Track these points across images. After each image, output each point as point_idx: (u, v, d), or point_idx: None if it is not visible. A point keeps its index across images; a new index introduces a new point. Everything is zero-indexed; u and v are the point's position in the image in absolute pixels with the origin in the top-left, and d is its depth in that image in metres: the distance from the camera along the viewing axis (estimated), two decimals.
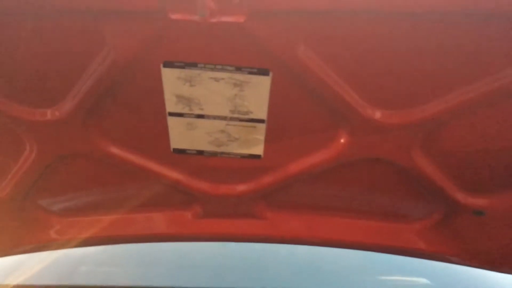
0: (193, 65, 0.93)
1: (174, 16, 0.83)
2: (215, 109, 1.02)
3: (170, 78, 0.95)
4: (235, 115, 1.03)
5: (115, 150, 1.09)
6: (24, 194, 1.21)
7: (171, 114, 1.03)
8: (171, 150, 1.11)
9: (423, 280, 1.55)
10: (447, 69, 0.88)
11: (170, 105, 1.01)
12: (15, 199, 1.21)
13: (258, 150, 1.11)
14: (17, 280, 1.51)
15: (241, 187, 1.19)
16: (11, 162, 1.13)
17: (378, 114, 0.98)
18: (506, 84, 0.88)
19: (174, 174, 1.16)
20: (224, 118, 1.04)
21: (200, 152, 1.12)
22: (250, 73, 0.95)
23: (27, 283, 1.46)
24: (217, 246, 1.53)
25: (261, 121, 1.04)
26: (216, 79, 0.97)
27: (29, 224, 1.32)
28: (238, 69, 0.94)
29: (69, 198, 1.28)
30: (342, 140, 1.05)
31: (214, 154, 1.12)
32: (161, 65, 0.93)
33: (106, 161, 1.12)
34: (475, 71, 0.88)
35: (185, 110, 1.03)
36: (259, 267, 1.57)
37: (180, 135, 1.08)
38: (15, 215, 1.27)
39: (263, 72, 0.94)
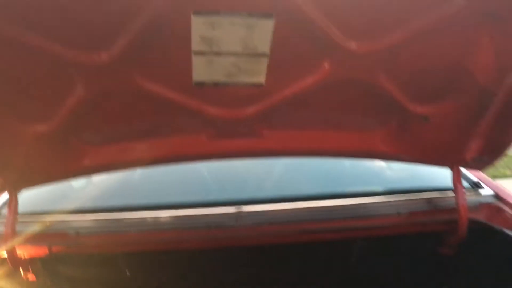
0: (216, 12, 1.22)
1: None
2: (230, 47, 1.32)
3: (198, 24, 1.24)
4: (245, 51, 1.34)
5: (149, 85, 1.37)
6: (69, 128, 1.47)
7: (195, 53, 1.32)
8: (193, 83, 1.40)
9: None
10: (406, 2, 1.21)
11: (195, 45, 1.30)
12: (61, 132, 1.47)
13: (261, 79, 1.42)
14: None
15: (246, 110, 1.51)
16: (61, 99, 1.38)
17: (353, 45, 1.31)
18: (451, 12, 1.21)
19: (194, 103, 1.46)
20: (235, 54, 1.34)
21: (216, 84, 1.42)
22: (258, 17, 1.25)
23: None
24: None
25: (264, 55, 1.35)
26: (233, 23, 1.26)
27: (68, 154, 1.58)
28: (250, 14, 1.24)
29: (104, 129, 1.55)
30: (326, 67, 1.37)
31: (226, 84, 1.42)
32: (191, 14, 1.21)
33: (140, 95, 1.40)
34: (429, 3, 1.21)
35: (206, 49, 1.32)
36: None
37: (201, 70, 1.37)
38: (58, 147, 1.53)
39: (267, 16, 1.25)
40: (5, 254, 1.57)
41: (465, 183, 1.85)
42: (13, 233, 1.56)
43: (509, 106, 1.45)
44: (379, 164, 2.10)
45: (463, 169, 1.89)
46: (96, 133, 1.56)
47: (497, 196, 1.78)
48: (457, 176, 1.68)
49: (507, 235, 1.61)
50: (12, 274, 1.66)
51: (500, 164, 8.04)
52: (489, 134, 1.55)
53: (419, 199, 1.75)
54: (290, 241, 1.70)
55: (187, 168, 1.93)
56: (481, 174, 1.93)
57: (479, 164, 1.71)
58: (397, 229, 1.71)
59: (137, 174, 2.03)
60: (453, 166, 1.68)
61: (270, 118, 1.56)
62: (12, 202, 1.57)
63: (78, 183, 1.96)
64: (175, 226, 1.67)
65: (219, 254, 1.74)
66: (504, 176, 7.32)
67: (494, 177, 7.52)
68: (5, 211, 1.66)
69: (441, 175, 1.81)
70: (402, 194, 1.78)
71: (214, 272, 1.82)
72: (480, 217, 1.71)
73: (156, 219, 1.67)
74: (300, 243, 1.72)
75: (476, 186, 1.85)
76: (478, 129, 1.53)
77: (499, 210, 1.73)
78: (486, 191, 1.81)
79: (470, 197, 1.76)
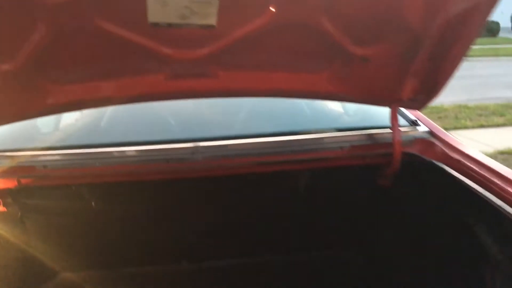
0: None
1: None
2: None
3: None
4: None
5: (108, 25, 1.47)
6: (33, 68, 1.56)
7: None
8: (148, 23, 1.51)
9: None
10: None
11: None
12: (25, 71, 1.56)
13: (212, 21, 1.54)
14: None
15: (200, 51, 1.62)
16: (23, 38, 1.47)
17: None
18: None
19: (151, 43, 1.57)
20: None
21: (169, 25, 1.53)
22: None
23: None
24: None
25: None
26: None
27: (32, 93, 1.68)
28: None
29: (68, 69, 1.65)
30: (271, 9, 1.49)
31: (179, 26, 1.54)
32: None
33: (100, 35, 1.50)
34: None
35: None
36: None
37: (155, 11, 1.48)
38: (22, 86, 1.63)
39: None
40: None
41: (404, 122, 2.04)
42: None
43: (440, 48, 1.61)
44: (326, 103, 2.27)
45: (403, 109, 2.08)
46: (60, 73, 1.65)
47: (431, 133, 1.98)
48: (394, 115, 1.85)
49: (436, 166, 1.81)
50: None
51: (462, 115, 8.39)
52: (423, 74, 1.72)
53: (360, 135, 1.93)
54: (242, 173, 1.87)
55: (148, 108, 2.06)
56: (418, 113, 2.11)
57: (416, 103, 1.89)
58: (340, 162, 1.90)
59: (102, 112, 2.14)
60: (391, 105, 1.85)
61: (222, 59, 1.68)
62: None
63: (45, 121, 2.07)
64: (137, 160, 1.81)
65: (177, 185, 1.90)
66: (465, 127, 7.65)
67: (456, 128, 7.85)
68: None
69: (381, 114, 1.98)
70: (345, 131, 1.95)
71: (173, 202, 1.98)
72: (414, 150, 1.90)
73: (119, 153, 1.80)
74: (252, 174, 1.89)
75: (413, 124, 2.04)
76: (412, 70, 1.69)
77: (432, 145, 1.93)
78: (422, 128, 2.00)
79: (406, 134, 1.95)
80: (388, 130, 1.90)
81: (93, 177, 1.80)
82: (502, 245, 1.54)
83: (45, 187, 1.82)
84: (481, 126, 7.65)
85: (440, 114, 8.49)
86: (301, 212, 2.09)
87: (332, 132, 1.95)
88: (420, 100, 1.84)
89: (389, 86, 1.78)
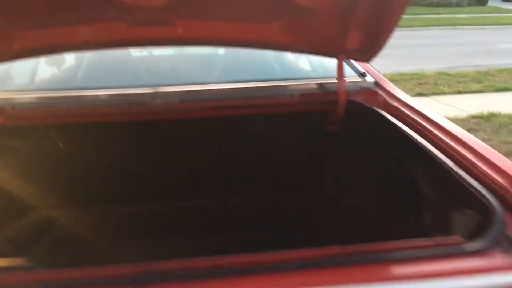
0: None
1: None
2: None
3: None
4: None
5: None
6: None
7: None
8: None
9: None
10: None
11: None
12: None
13: None
14: None
15: (158, 0, 1.74)
16: None
17: None
18: None
19: None
20: None
21: None
22: None
23: None
24: None
25: None
26: None
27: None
28: None
29: (33, 15, 1.76)
30: None
31: None
32: None
33: None
34: None
35: None
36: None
37: None
38: None
39: None
40: None
41: (353, 73, 2.18)
42: None
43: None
44: (280, 54, 2.41)
45: (353, 62, 2.23)
46: (25, 19, 1.76)
47: (376, 83, 2.13)
48: (340, 65, 2.00)
49: (377, 112, 1.97)
50: None
51: (441, 82, 8.54)
52: (366, 26, 1.85)
53: (310, 84, 2.08)
54: (200, 117, 2.02)
55: (111, 55, 2.19)
56: (368, 66, 2.26)
57: (362, 55, 2.02)
58: (290, 108, 2.05)
59: (70, 58, 2.28)
60: (337, 56, 1.99)
61: (179, 8, 1.80)
62: None
63: (12, 65, 2.19)
64: (100, 103, 1.95)
65: (138, 128, 2.06)
66: (443, 93, 7.82)
67: (434, 94, 8.01)
68: None
69: (332, 65, 2.12)
70: (296, 80, 2.10)
71: (134, 144, 2.14)
72: (359, 99, 2.06)
73: (83, 96, 1.94)
74: (209, 118, 2.04)
75: (361, 75, 2.19)
76: (355, 21, 1.83)
77: (376, 94, 2.08)
78: (369, 79, 2.15)
79: (353, 84, 2.10)
80: (335, 80, 2.05)
81: (59, 118, 1.95)
82: (430, 182, 1.72)
83: (14, 127, 1.96)
84: (459, 92, 7.83)
85: (420, 81, 8.65)
86: (256, 155, 2.25)
87: (283, 80, 2.10)
88: (365, 52, 1.97)
89: (335, 37, 1.91)
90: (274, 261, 1.14)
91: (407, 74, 9.15)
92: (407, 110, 1.89)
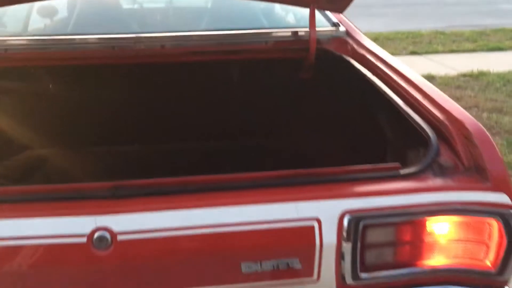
0: None
1: None
2: None
3: None
4: None
5: None
6: None
7: None
8: None
9: None
10: None
11: None
12: None
13: None
14: None
15: None
16: None
17: None
18: None
19: None
20: None
21: None
22: None
23: None
24: None
25: None
26: None
27: None
28: None
29: None
30: None
31: None
32: None
33: None
34: None
35: None
36: None
37: None
38: None
39: None
40: None
41: (326, 22, 2.30)
42: None
43: None
44: (257, 4, 2.52)
45: (328, 13, 2.34)
46: None
47: (347, 33, 2.25)
48: (312, 14, 2.11)
49: (346, 60, 2.10)
50: None
51: (436, 41, 8.58)
52: None
53: (283, 32, 2.21)
54: (178, 61, 2.16)
55: (102, 5, 2.31)
56: (341, 16, 2.37)
57: (334, 6, 2.14)
58: (265, 55, 2.18)
59: (61, 9, 2.40)
60: (310, 5, 2.10)
61: None
62: None
63: (6, 13, 2.32)
64: (87, 46, 2.09)
65: (121, 70, 2.20)
66: (436, 51, 7.88)
67: (427, 52, 8.09)
68: None
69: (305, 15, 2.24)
70: (270, 28, 2.22)
71: (115, 85, 2.29)
72: (329, 47, 2.18)
73: (73, 40, 2.08)
74: (186, 62, 2.18)
75: (334, 25, 2.30)
76: None
77: (346, 43, 2.21)
78: (341, 29, 2.27)
79: (325, 33, 2.22)
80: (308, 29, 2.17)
81: (49, 61, 2.09)
82: (392, 126, 1.87)
83: (6, 69, 2.10)
84: (452, 51, 7.88)
85: (415, 40, 8.68)
86: (231, 101, 2.40)
87: (257, 29, 2.23)
88: (336, 2, 2.08)
89: None
90: (225, 181, 1.32)
91: (403, 33, 9.16)
92: (372, 57, 2.02)
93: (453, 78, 6.36)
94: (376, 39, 8.71)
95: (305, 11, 2.16)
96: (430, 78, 6.35)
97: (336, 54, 2.14)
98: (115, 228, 1.23)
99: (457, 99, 5.59)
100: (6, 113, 2.26)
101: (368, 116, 2.02)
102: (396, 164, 1.42)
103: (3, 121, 2.28)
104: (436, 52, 7.81)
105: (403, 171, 1.38)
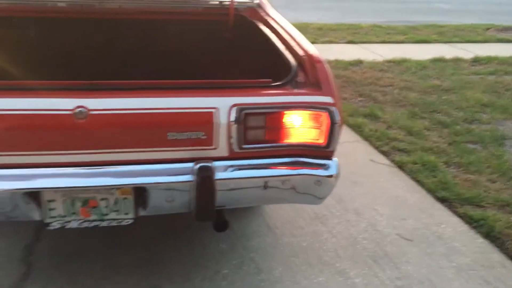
0: None
1: None
2: None
3: None
4: None
5: None
6: None
7: None
8: None
9: None
10: None
11: None
12: None
13: None
14: None
15: None
16: None
17: None
18: None
19: None
20: None
21: None
22: None
23: None
24: None
25: None
26: None
27: None
28: None
29: None
30: None
31: None
32: None
33: None
34: None
35: None
36: None
37: None
38: None
39: None
40: None
41: None
42: None
43: None
44: None
45: None
46: None
47: (259, 4, 3.08)
48: None
49: (255, 24, 2.93)
50: None
51: (372, 33, 9.59)
52: None
53: (213, 1, 3.02)
54: (130, 18, 2.94)
55: None
56: None
57: None
58: (197, 17, 2.99)
59: None
60: None
61: None
62: None
63: None
64: (60, 3, 2.83)
65: (87, 23, 2.95)
66: (370, 41, 8.88)
67: (362, 42, 9.06)
68: None
69: None
70: None
71: (80, 35, 3.03)
72: (245, 14, 3.01)
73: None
74: (137, 19, 2.96)
75: None
76: None
77: (257, 11, 3.04)
78: (255, 1, 3.10)
79: (242, 3, 3.05)
80: None
81: (27, 13, 2.81)
82: (276, 60, 2.67)
83: None
84: (383, 41, 8.92)
85: (355, 31, 9.68)
86: (168, 55, 3.17)
87: None
88: None
89: None
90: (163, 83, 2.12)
91: (345, 25, 10.15)
92: (272, 21, 2.86)
93: (378, 63, 7.35)
94: (320, 28, 9.69)
95: None
96: (359, 62, 7.35)
97: (249, 19, 2.96)
98: (90, 106, 2.00)
99: (377, 79, 6.61)
100: None
101: (263, 56, 2.84)
102: (269, 80, 2.26)
103: None
104: (370, 42, 8.82)
105: (273, 84, 2.22)
